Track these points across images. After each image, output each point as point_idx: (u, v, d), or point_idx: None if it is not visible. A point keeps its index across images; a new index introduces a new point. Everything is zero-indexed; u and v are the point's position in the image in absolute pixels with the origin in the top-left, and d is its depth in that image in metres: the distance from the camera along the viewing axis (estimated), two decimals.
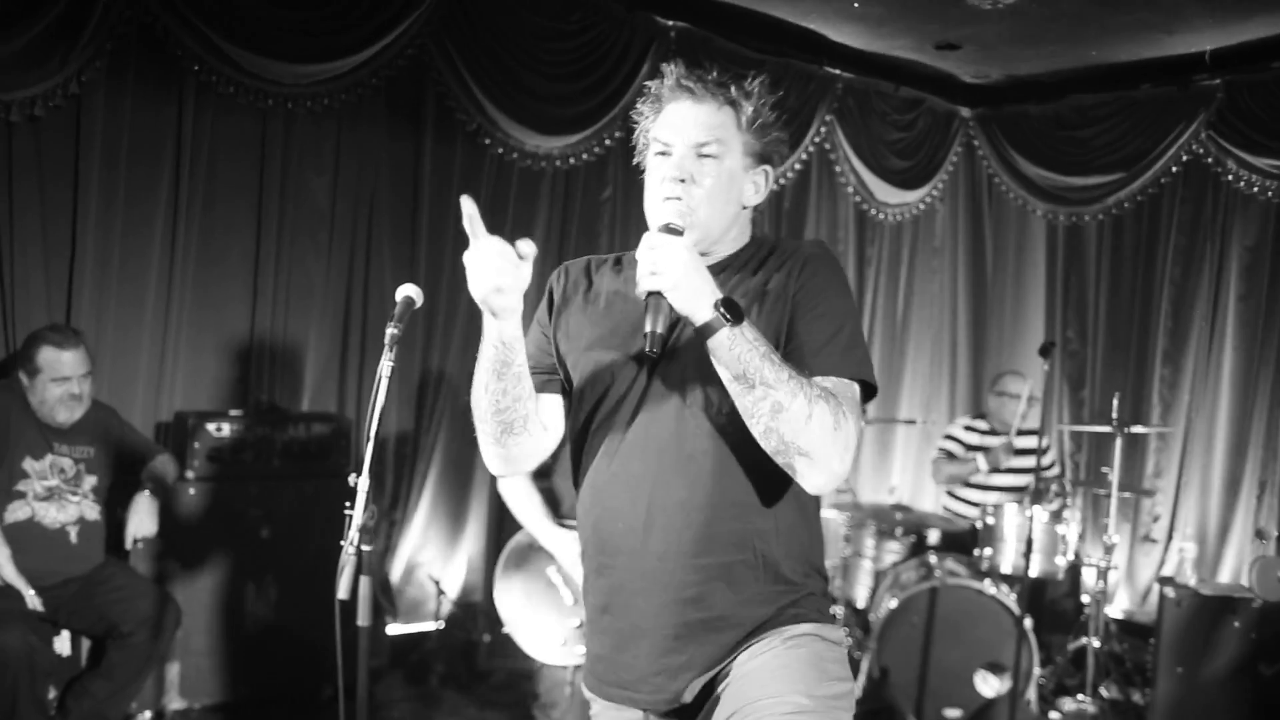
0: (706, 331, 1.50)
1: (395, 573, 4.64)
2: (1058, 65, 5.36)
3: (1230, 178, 5.15)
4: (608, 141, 4.72)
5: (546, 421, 1.79)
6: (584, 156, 4.70)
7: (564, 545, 3.10)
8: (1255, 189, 5.09)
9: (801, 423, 1.51)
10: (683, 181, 1.68)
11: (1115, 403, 4.54)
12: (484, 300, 1.55)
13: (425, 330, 4.56)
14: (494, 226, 1.54)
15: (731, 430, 1.62)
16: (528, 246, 1.55)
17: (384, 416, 1.58)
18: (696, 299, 1.50)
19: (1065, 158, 5.67)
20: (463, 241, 1.57)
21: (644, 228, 1.60)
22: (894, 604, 4.13)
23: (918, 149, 5.84)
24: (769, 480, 1.65)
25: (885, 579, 4.52)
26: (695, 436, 1.65)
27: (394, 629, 4.53)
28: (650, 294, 1.51)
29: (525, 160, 4.59)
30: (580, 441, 1.80)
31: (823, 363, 1.62)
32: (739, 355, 1.50)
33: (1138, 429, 4.71)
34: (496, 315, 1.58)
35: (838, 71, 5.36)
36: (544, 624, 3.32)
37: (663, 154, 1.72)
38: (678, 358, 1.68)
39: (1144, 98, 5.37)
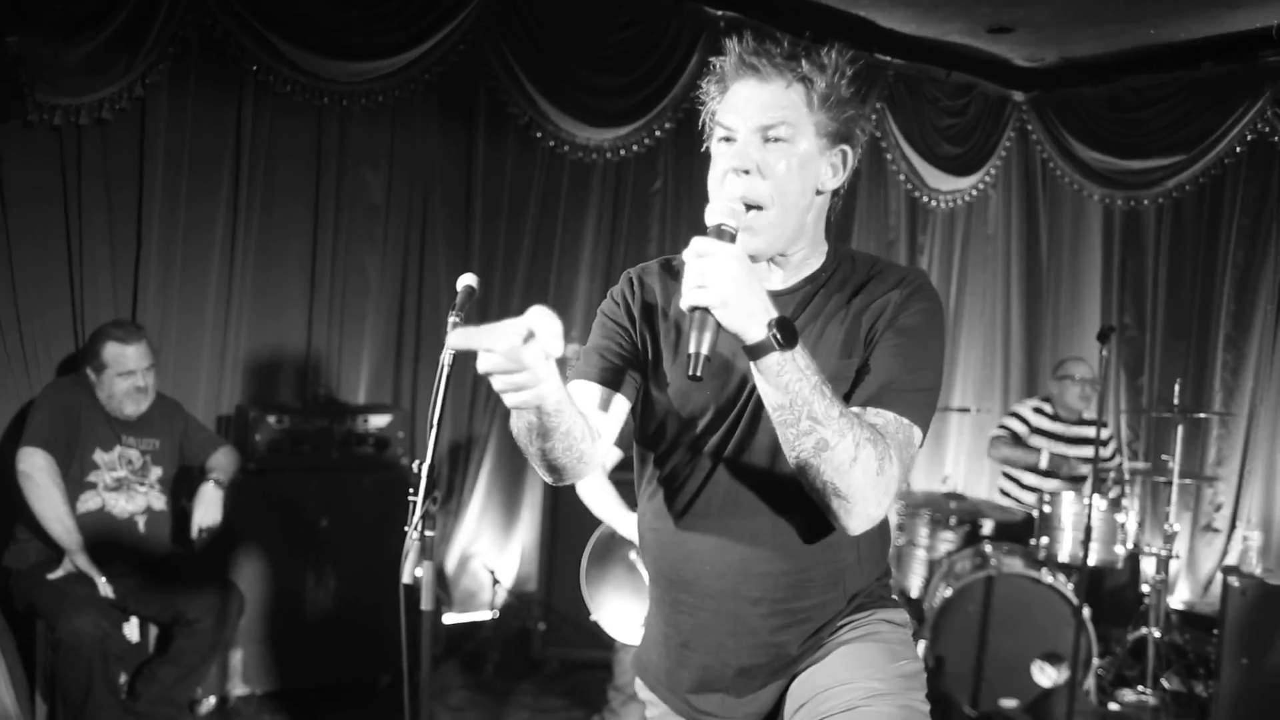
0: (754, 353, 1.37)
1: (450, 562, 4.71)
2: (1115, 46, 5.24)
3: None
4: (658, 133, 4.73)
5: (600, 428, 1.60)
6: (634, 148, 4.72)
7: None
8: None
9: (846, 465, 1.39)
10: (747, 173, 1.53)
11: (1176, 389, 4.44)
12: (514, 405, 1.38)
13: (480, 321, 4.58)
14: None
15: None
16: (541, 322, 1.32)
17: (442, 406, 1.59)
18: (747, 317, 1.34)
19: (1122, 141, 5.55)
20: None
21: (695, 220, 1.49)
22: (949, 593, 4.09)
23: (970, 134, 5.76)
24: None
25: (940, 568, 4.48)
26: (790, 481, 1.49)
27: (449, 618, 4.60)
28: (695, 309, 1.36)
29: (576, 153, 4.62)
30: (657, 466, 1.70)
31: (889, 398, 1.50)
32: (787, 383, 1.37)
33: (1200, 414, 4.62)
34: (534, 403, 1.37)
35: (888, 58, 5.30)
36: (626, 606, 3.39)
37: (726, 140, 1.57)
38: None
39: (1206, 76, 5.23)
